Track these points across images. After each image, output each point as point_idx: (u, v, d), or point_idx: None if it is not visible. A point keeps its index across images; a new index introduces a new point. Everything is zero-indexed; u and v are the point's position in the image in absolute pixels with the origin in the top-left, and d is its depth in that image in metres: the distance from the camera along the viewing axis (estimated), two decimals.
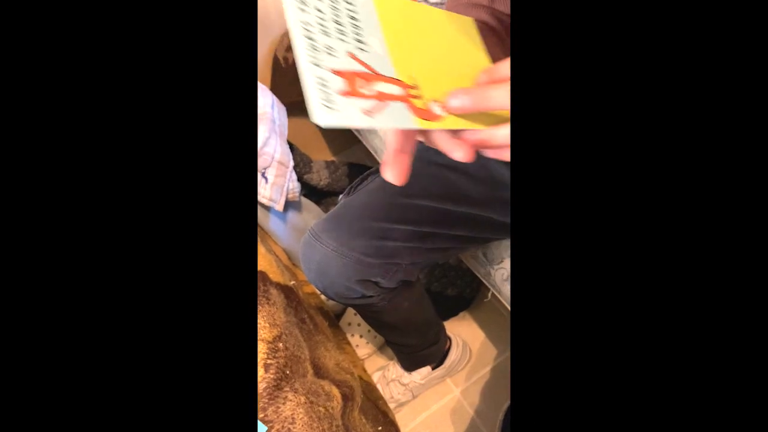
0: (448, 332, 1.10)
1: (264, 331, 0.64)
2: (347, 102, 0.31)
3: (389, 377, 1.09)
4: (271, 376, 0.59)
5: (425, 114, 0.35)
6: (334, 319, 1.15)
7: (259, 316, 0.65)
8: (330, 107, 0.30)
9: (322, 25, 0.33)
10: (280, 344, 0.64)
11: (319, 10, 0.34)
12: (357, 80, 0.33)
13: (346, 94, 0.32)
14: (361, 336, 1.17)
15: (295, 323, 0.74)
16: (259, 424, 0.56)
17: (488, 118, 0.37)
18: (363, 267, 0.72)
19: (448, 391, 1.11)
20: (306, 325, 0.79)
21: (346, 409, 0.66)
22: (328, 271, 0.74)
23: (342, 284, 0.75)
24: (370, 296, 0.79)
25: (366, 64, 0.34)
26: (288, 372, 0.61)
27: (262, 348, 0.62)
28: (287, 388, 0.58)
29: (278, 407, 0.57)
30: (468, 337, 1.15)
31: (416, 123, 0.34)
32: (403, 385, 1.08)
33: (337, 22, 0.34)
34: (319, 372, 0.70)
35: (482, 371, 1.12)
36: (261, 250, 0.81)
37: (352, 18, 0.35)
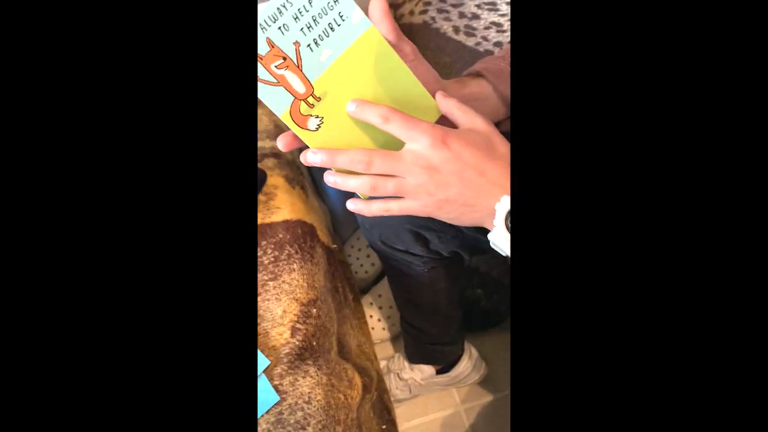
0: (472, 345, 1.03)
1: (300, 291, 0.58)
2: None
3: (392, 368, 1.04)
4: (297, 343, 0.53)
5: (298, 117, 0.43)
6: (359, 293, 1.09)
7: (299, 274, 0.59)
8: None
9: (300, 12, 0.41)
10: (314, 310, 0.58)
11: (310, 3, 0.41)
12: (276, 60, 0.41)
13: (259, 59, 0.41)
14: (379, 320, 1.10)
15: (330, 290, 0.68)
16: (272, 391, 0.50)
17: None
18: (423, 216, 0.67)
19: (451, 404, 1.05)
20: (338, 295, 0.73)
21: (362, 402, 0.60)
22: None
23: (392, 227, 0.70)
24: (414, 254, 0.73)
25: (300, 57, 0.42)
26: (314, 343, 0.55)
27: (294, 308, 0.56)
28: (310, 361, 0.52)
29: (296, 380, 0.51)
30: (491, 357, 1.08)
31: (282, 114, 0.43)
32: (402, 380, 1.02)
33: (314, 19, 0.42)
34: (343, 351, 0.64)
35: (495, 395, 1.05)
36: (314, 204, 0.75)
37: (330, 27, 0.42)
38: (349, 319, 0.75)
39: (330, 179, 0.46)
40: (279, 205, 0.66)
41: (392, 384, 1.02)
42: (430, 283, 0.79)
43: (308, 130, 0.45)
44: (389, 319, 1.11)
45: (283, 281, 0.58)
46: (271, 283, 0.58)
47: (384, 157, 0.44)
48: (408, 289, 0.83)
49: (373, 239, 0.74)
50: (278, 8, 0.42)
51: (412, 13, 1.01)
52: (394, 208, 0.46)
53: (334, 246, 0.80)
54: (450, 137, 0.42)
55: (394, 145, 0.45)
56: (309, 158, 0.45)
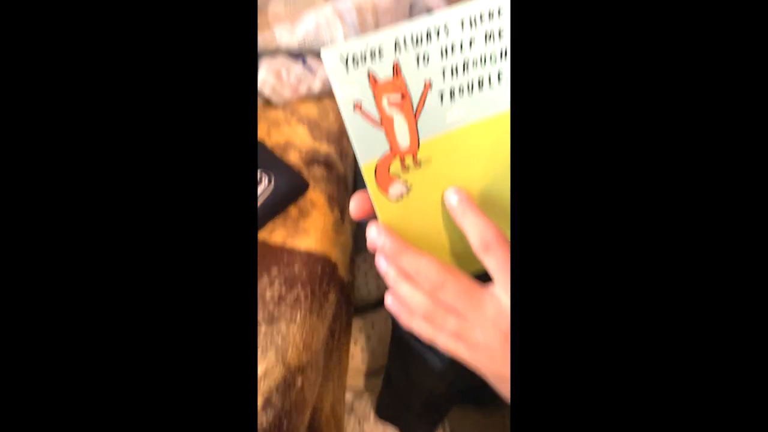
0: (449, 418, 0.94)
1: (293, 352, 0.47)
2: (359, 78, 0.32)
3: (356, 408, 0.94)
4: (263, 423, 0.43)
5: (383, 175, 0.35)
6: (352, 315, 0.98)
7: (299, 328, 0.49)
8: (346, 61, 0.31)
9: (452, 47, 0.32)
10: (299, 380, 0.47)
11: (471, 43, 0.32)
12: (393, 94, 0.33)
13: (373, 84, 0.32)
14: (362, 349, 1.00)
15: (325, 341, 0.57)
16: None
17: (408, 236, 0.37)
18: None
19: None
20: (332, 340, 0.62)
21: None
22: None
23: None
24: (436, 353, 0.63)
25: (423, 103, 0.33)
26: (285, 423, 0.45)
27: (277, 373, 0.46)
28: None
29: None
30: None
31: (366, 164, 0.34)
32: (360, 427, 0.93)
33: (465, 65, 0.33)
34: (313, 424, 0.54)
35: None
36: (346, 231, 0.63)
37: (479, 83, 0.33)
38: (334, 368, 0.65)
39: (383, 266, 0.37)
40: (308, 228, 0.55)
41: (350, 426, 0.93)
42: (439, 376, 0.68)
43: (386, 195, 0.36)
44: (373, 352, 1.01)
45: (278, 331, 0.48)
46: (263, 327, 0.47)
47: (460, 290, 0.34)
48: (409, 369, 0.72)
49: (398, 324, 0.63)
50: (430, 29, 0.32)
51: None
52: (441, 342, 0.37)
53: (350, 278, 0.69)
54: None
55: (473, 261, 0.35)
56: (370, 235, 0.37)
